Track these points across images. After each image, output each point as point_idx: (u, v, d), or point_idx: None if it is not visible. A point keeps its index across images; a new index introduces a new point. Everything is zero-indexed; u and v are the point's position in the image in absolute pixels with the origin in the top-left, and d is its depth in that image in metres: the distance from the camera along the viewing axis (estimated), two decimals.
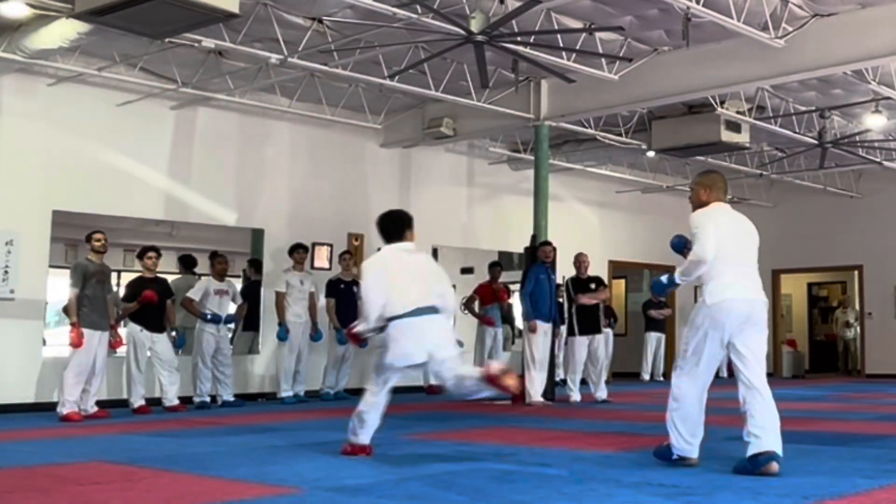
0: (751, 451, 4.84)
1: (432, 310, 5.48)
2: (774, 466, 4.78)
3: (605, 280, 12.71)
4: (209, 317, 10.14)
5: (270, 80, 10.49)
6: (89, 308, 8.68)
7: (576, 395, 10.66)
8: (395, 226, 5.77)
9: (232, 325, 10.93)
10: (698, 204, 5.29)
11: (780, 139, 13.21)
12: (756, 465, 4.79)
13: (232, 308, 10.60)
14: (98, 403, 8.92)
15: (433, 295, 5.54)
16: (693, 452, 5.08)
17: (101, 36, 8.20)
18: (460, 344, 5.88)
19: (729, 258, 5.00)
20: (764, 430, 4.83)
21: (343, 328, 11.36)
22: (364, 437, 5.66)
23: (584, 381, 10.92)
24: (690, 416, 5.03)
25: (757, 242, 5.25)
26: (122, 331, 9.46)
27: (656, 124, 12.54)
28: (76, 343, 8.56)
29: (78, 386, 8.63)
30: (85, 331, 8.61)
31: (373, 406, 5.60)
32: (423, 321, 5.43)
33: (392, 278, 5.51)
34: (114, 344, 9.15)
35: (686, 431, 5.05)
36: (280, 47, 8.98)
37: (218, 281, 10.33)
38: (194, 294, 10.20)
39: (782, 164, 15.12)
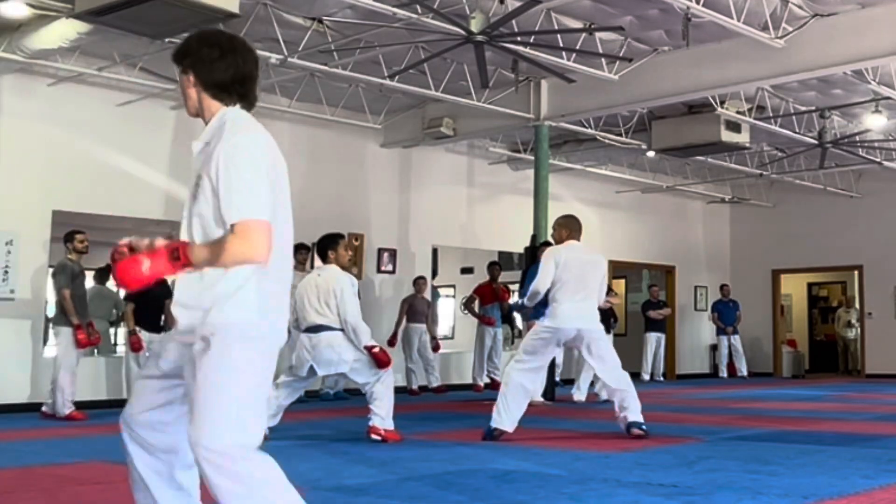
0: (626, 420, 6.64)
1: None
2: (637, 431, 6.51)
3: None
4: None
5: (270, 80, 10.48)
6: (77, 307, 8.68)
7: (580, 396, 10.60)
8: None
9: None
10: (558, 240, 6.92)
11: (780, 139, 13.21)
12: (627, 429, 6.56)
13: None
14: (98, 403, 8.92)
15: None
16: (509, 426, 6.49)
17: (101, 36, 8.20)
18: None
19: (567, 288, 6.61)
20: (632, 410, 6.59)
21: None
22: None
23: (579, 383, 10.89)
24: (518, 398, 6.53)
25: (601, 273, 6.84)
26: (120, 331, 9.43)
27: (656, 124, 12.53)
28: (85, 343, 8.57)
29: (74, 385, 8.64)
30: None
31: None
32: None
33: None
34: (95, 340, 9.08)
35: (513, 408, 6.49)
36: (280, 47, 8.97)
37: None
38: None
39: (782, 164, 15.11)
